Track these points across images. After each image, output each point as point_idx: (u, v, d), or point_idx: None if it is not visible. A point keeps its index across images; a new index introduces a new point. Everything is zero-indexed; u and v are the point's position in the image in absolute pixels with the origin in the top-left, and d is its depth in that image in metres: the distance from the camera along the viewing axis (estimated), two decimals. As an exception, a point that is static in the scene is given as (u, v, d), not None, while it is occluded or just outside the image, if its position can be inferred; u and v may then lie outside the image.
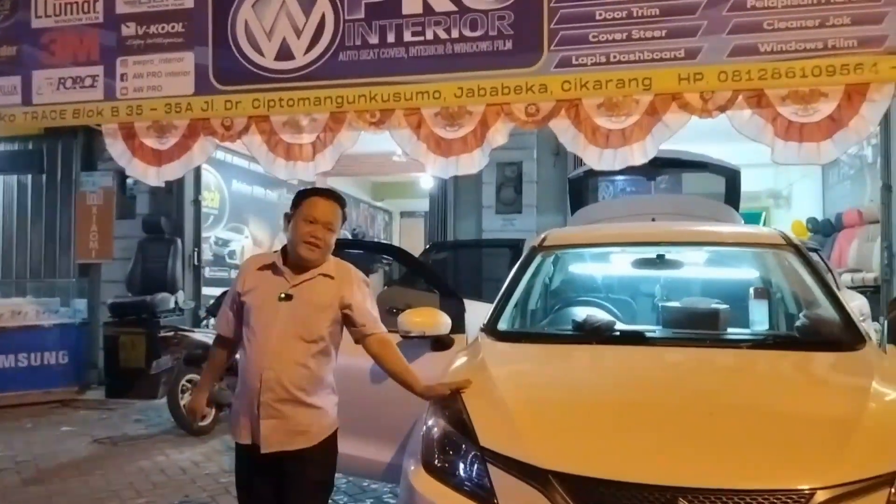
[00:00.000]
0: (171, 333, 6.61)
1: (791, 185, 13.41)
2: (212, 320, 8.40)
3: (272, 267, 2.68)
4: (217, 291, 7.88)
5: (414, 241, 15.09)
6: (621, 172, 5.35)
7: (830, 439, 2.25)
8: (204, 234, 9.71)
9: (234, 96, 5.63)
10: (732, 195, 5.44)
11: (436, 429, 2.56)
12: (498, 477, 2.28)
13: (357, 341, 2.73)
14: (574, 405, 2.58)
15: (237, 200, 11.21)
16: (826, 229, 10.38)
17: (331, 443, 2.72)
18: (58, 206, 9.09)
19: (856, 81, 4.62)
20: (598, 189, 8.34)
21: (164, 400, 6.42)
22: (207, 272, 9.92)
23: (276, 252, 2.75)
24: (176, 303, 8.26)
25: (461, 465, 2.39)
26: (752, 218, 14.45)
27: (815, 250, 5.84)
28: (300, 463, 2.63)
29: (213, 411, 6.41)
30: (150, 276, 8.29)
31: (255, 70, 5.62)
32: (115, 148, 5.95)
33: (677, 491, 2.07)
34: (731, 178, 5.47)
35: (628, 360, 3.01)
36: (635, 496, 2.10)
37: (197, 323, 8.58)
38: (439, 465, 2.45)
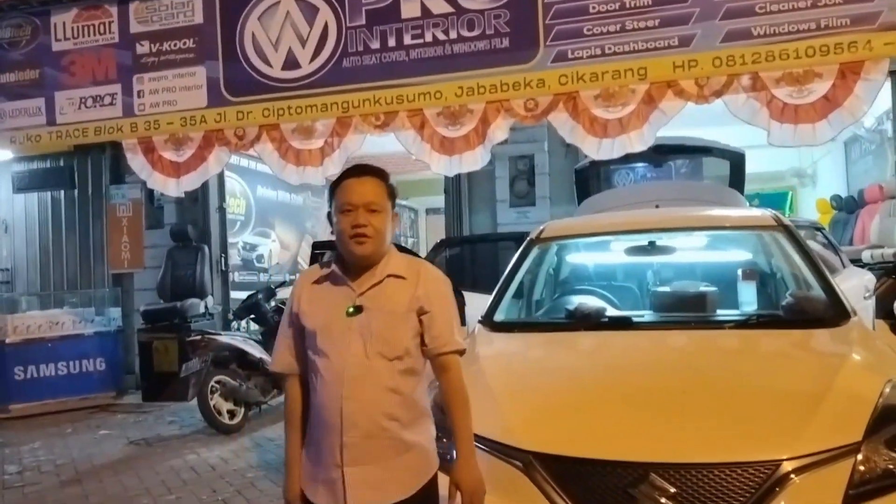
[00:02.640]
0: (199, 337, 6.85)
1: (815, 163, 13.22)
2: (243, 323, 8.70)
3: (330, 276, 2.17)
4: (244, 295, 8.13)
5: (440, 236, 15.23)
6: (622, 161, 5.43)
7: (798, 411, 2.34)
8: (231, 240, 10.00)
9: (245, 107, 5.87)
10: (737, 178, 5.47)
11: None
12: (483, 459, 2.41)
13: (426, 357, 2.15)
14: (555, 389, 2.70)
15: (263, 205, 11.49)
16: (849, 206, 10.25)
17: (432, 492, 2.14)
18: (90, 220, 9.44)
19: (850, 60, 4.66)
20: (613, 177, 8.35)
21: (195, 401, 6.68)
22: (236, 276, 10.21)
23: (327, 262, 2.23)
24: (205, 307, 8.52)
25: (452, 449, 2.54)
26: (778, 198, 14.31)
27: (819, 229, 5.85)
28: None
29: (243, 409, 6.65)
30: (179, 282, 8.56)
31: (263, 80, 5.84)
32: (136, 162, 6.23)
33: (649, 467, 2.19)
34: (736, 161, 5.51)
35: (613, 345, 3.12)
36: (610, 473, 2.23)
37: (226, 326, 8.85)
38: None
